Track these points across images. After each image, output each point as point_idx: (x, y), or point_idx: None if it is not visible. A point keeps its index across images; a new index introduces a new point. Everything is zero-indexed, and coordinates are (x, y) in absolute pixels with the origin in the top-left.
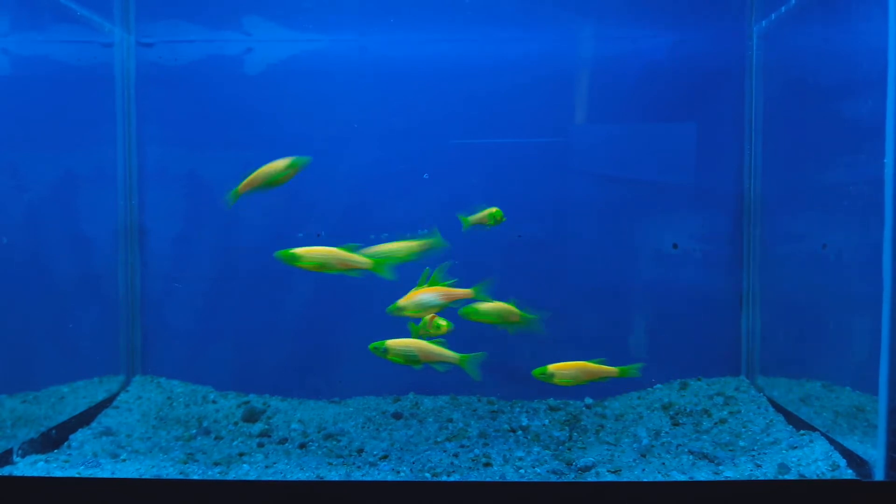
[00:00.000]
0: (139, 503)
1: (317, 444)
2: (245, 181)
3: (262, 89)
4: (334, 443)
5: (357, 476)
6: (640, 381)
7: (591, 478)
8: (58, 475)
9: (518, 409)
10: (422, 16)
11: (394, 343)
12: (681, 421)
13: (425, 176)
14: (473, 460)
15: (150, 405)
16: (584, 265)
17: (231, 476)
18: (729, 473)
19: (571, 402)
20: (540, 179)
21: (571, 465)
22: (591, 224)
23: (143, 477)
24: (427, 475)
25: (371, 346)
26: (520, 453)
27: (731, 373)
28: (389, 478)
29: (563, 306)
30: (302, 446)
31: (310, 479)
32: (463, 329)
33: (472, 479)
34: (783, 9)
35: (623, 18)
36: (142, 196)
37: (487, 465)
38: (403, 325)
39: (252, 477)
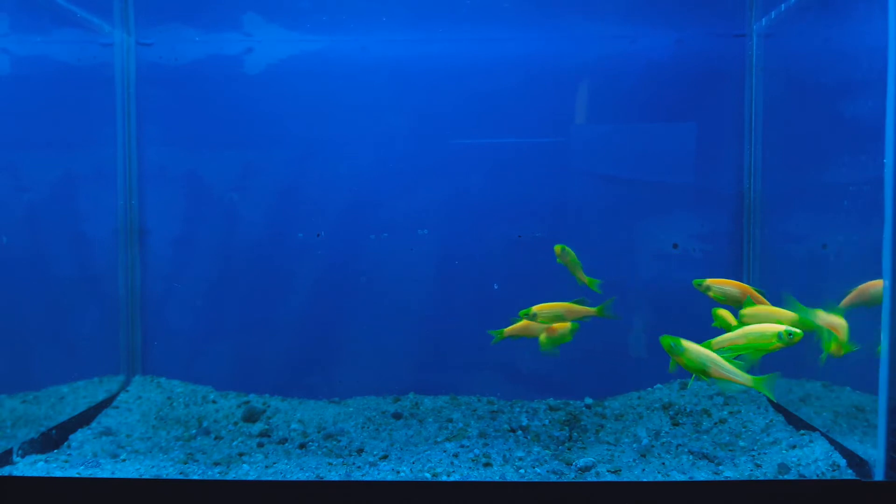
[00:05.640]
0: (139, 503)
1: (317, 444)
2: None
3: (262, 89)
4: (334, 443)
5: (357, 476)
6: (640, 381)
7: (591, 478)
8: (58, 475)
9: (518, 409)
10: (422, 15)
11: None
12: (681, 421)
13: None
14: (473, 460)
15: (150, 405)
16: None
17: (231, 476)
18: (729, 473)
19: (571, 401)
20: (540, 179)
21: (571, 465)
22: (591, 224)
23: (143, 477)
24: (427, 475)
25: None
26: (520, 453)
27: None
28: (389, 478)
29: None
30: (302, 446)
31: (310, 479)
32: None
33: (472, 479)
34: (783, 7)
35: (623, 18)
36: (142, 196)
37: (487, 465)
38: (393, 327)
39: (252, 477)
